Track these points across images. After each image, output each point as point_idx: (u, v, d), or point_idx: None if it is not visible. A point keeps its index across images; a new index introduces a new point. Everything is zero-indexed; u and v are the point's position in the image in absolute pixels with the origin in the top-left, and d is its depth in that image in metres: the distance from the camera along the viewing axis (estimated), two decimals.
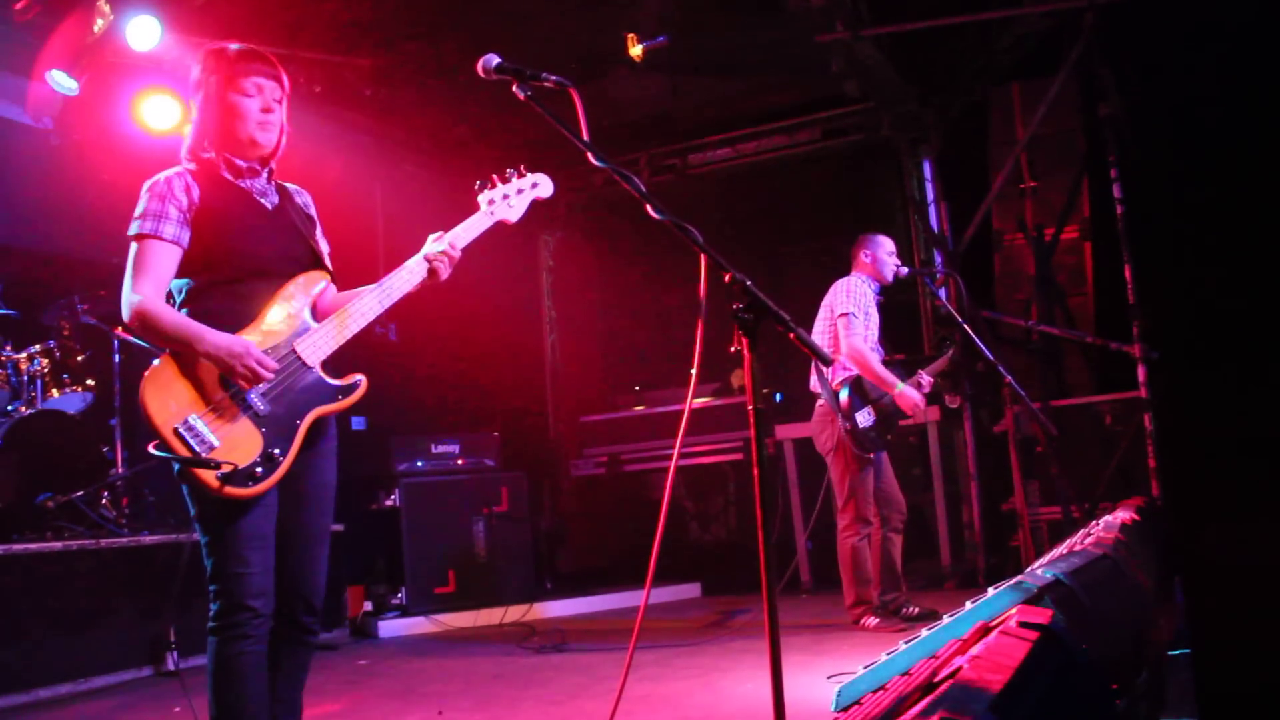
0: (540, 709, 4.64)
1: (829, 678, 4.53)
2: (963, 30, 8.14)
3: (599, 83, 8.63)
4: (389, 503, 7.88)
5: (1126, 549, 3.66)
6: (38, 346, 6.75)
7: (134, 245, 3.02)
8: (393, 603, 7.76)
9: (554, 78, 2.73)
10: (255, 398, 2.96)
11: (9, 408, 6.56)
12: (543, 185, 3.50)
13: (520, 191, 3.44)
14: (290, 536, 3.12)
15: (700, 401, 9.31)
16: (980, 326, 7.07)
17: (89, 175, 7.29)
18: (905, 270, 6.52)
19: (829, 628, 6.27)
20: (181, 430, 2.86)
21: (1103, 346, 7.65)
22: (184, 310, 3.05)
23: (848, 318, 6.28)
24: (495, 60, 2.75)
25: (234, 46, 3.19)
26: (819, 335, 6.43)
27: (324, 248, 3.34)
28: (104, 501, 6.64)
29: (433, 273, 3.24)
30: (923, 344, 9.01)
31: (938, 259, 8.86)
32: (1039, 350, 8.16)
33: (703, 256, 2.53)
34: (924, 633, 2.59)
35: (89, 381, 6.99)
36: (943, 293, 8.15)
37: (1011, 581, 2.65)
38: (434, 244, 3.26)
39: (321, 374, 3.11)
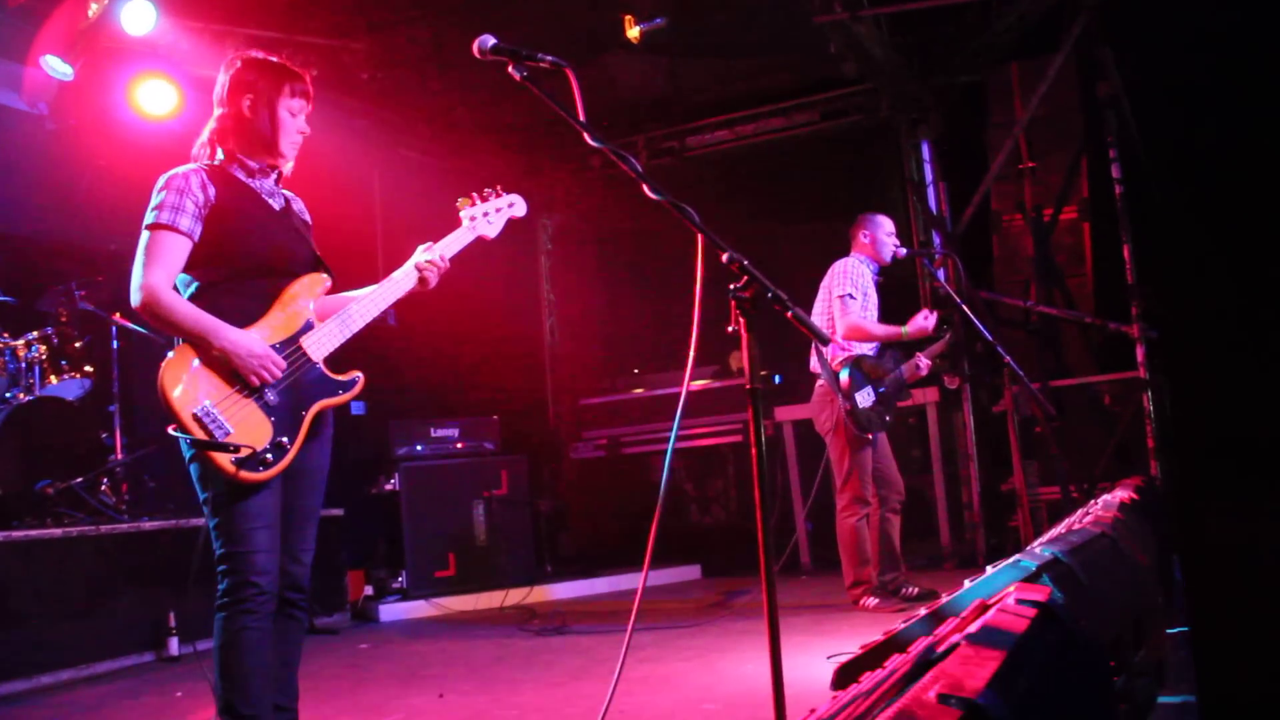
0: (541, 691, 4.65)
1: (828, 657, 4.54)
2: (961, 10, 8.13)
3: (597, 65, 8.61)
4: (389, 487, 7.89)
5: (1125, 528, 3.67)
6: (35, 333, 6.74)
7: (147, 234, 3.14)
8: (393, 587, 7.77)
9: (550, 58, 2.73)
10: (266, 389, 3.14)
11: (7, 394, 6.56)
12: (518, 205, 3.73)
13: (499, 210, 3.67)
14: (287, 518, 3.25)
15: (699, 384, 9.32)
16: (979, 307, 7.07)
17: (85, 161, 7.28)
18: (904, 251, 6.52)
19: (828, 608, 6.28)
20: (200, 414, 3.02)
21: (1101, 326, 7.65)
22: (197, 302, 3.17)
23: (845, 299, 6.28)
24: (491, 41, 2.75)
25: (274, 59, 3.36)
26: (818, 316, 6.43)
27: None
28: (103, 488, 6.65)
29: (422, 281, 3.45)
30: None
31: (936, 240, 8.86)
32: (1038, 331, 8.16)
33: (699, 236, 2.53)
34: (922, 612, 2.60)
35: (87, 368, 6.99)
36: (941, 274, 8.15)
37: (1010, 560, 2.66)
38: (424, 254, 3.46)
39: (325, 369, 3.30)
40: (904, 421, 8.41)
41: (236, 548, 3.09)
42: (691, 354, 2.75)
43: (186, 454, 3.12)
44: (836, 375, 6.23)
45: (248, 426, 3.08)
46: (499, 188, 3.68)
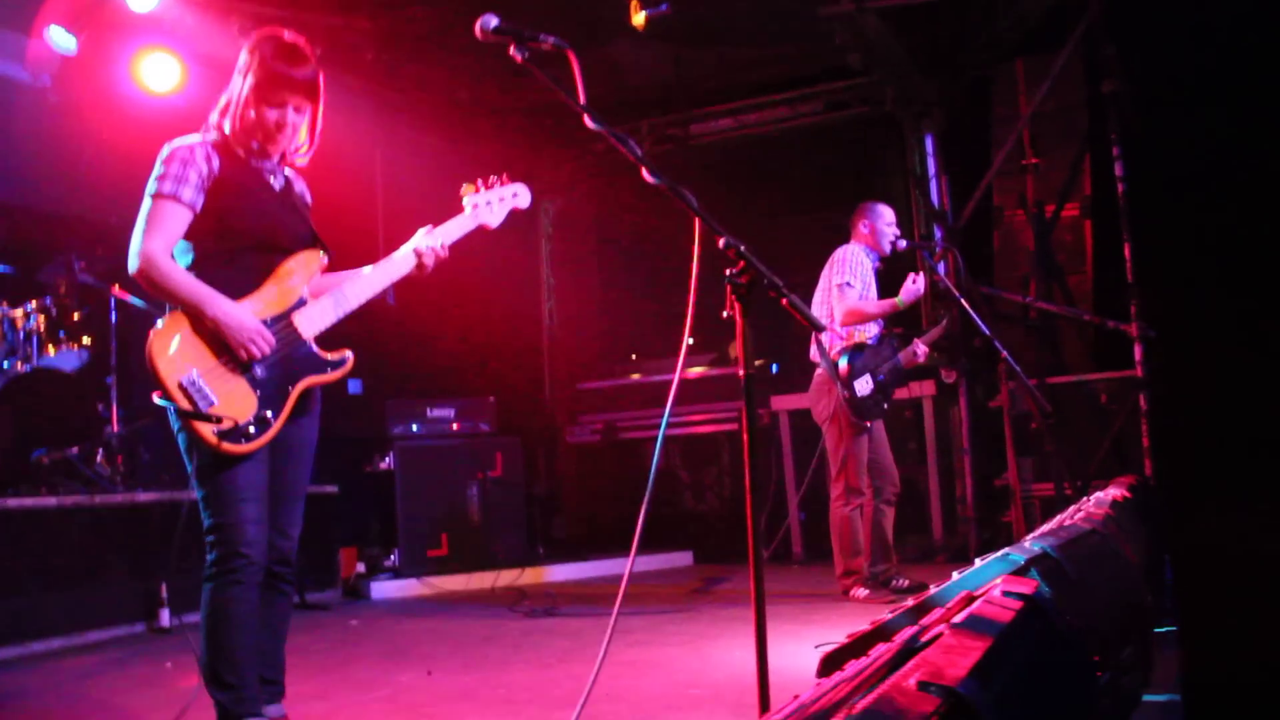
0: (529, 671, 4.66)
1: (816, 646, 4.55)
2: (967, 5, 8.11)
3: (601, 51, 8.59)
4: (384, 465, 7.91)
5: (1116, 525, 3.68)
6: (34, 303, 6.73)
7: (149, 202, 3.16)
8: (386, 565, 7.79)
9: (552, 39, 2.72)
10: (255, 363, 3.16)
11: (5, 364, 6.57)
12: (521, 195, 3.72)
13: (502, 200, 3.66)
14: (273, 492, 3.28)
15: (696, 371, 9.33)
16: (978, 302, 7.07)
17: (87, 134, 7.27)
18: (904, 244, 6.50)
19: (819, 597, 6.29)
20: (185, 383, 3.05)
21: (1100, 324, 7.66)
22: (193, 273, 3.19)
23: (844, 287, 6.27)
24: (494, 21, 2.74)
25: (286, 39, 3.30)
26: (818, 306, 6.43)
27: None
28: (99, 459, 6.65)
29: (420, 266, 3.46)
30: (920, 318, 9.01)
31: (937, 234, 8.86)
32: (1036, 327, 8.17)
33: (697, 221, 2.53)
34: (910, 603, 2.61)
35: (85, 340, 6.98)
36: (941, 267, 8.15)
37: (998, 554, 2.66)
38: (425, 238, 3.47)
39: (314, 347, 3.30)
40: (900, 414, 8.41)
41: (224, 518, 3.12)
42: (685, 340, 2.76)
43: (174, 423, 3.14)
44: (835, 363, 6.23)
45: (233, 398, 3.10)
46: (505, 175, 3.69)
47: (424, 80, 8.95)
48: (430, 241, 3.46)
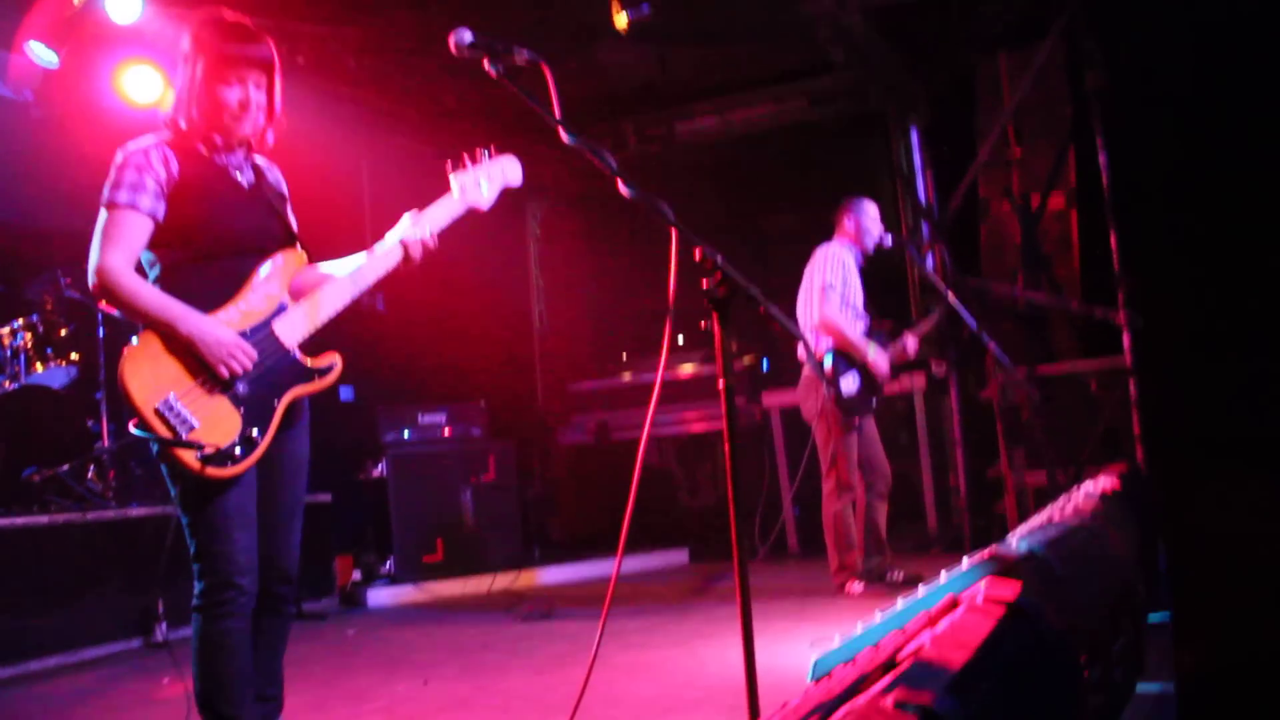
0: (526, 677, 4.67)
1: (811, 644, 4.56)
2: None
3: (585, 52, 8.57)
4: (376, 472, 7.91)
5: (1105, 517, 3.68)
6: (20, 321, 6.73)
7: (105, 213, 2.97)
8: (381, 572, 7.81)
9: (526, 53, 2.70)
10: (236, 380, 2.96)
11: None
12: (511, 171, 3.45)
13: (490, 178, 3.39)
14: (266, 511, 3.13)
15: (687, 370, 9.32)
16: (966, 295, 7.07)
17: (71, 148, 7.23)
18: (889, 240, 6.51)
19: (814, 593, 6.30)
20: (162, 409, 2.85)
21: (1088, 313, 7.67)
22: (160, 286, 3.02)
23: (826, 289, 6.27)
24: (468, 36, 2.73)
25: (228, 18, 3.11)
26: (803, 305, 6.43)
27: (294, 225, 3.31)
28: (90, 475, 6.65)
29: (407, 259, 3.22)
30: (909, 312, 9.03)
31: (924, 228, 8.87)
32: (1025, 317, 8.18)
33: (673, 231, 2.52)
34: (899, 603, 2.61)
35: (73, 356, 6.98)
36: (929, 261, 8.17)
37: (986, 552, 2.67)
38: (411, 227, 3.23)
39: (298, 355, 3.11)
40: (892, 407, 8.42)
41: (213, 547, 2.95)
42: (665, 346, 2.77)
43: (154, 449, 2.94)
44: (820, 363, 6.24)
45: (215, 419, 2.90)
46: (492, 148, 3.42)
47: (409, 87, 8.92)
48: (417, 232, 3.22)
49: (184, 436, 2.84)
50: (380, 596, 7.54)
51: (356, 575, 7.73)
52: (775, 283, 6.14)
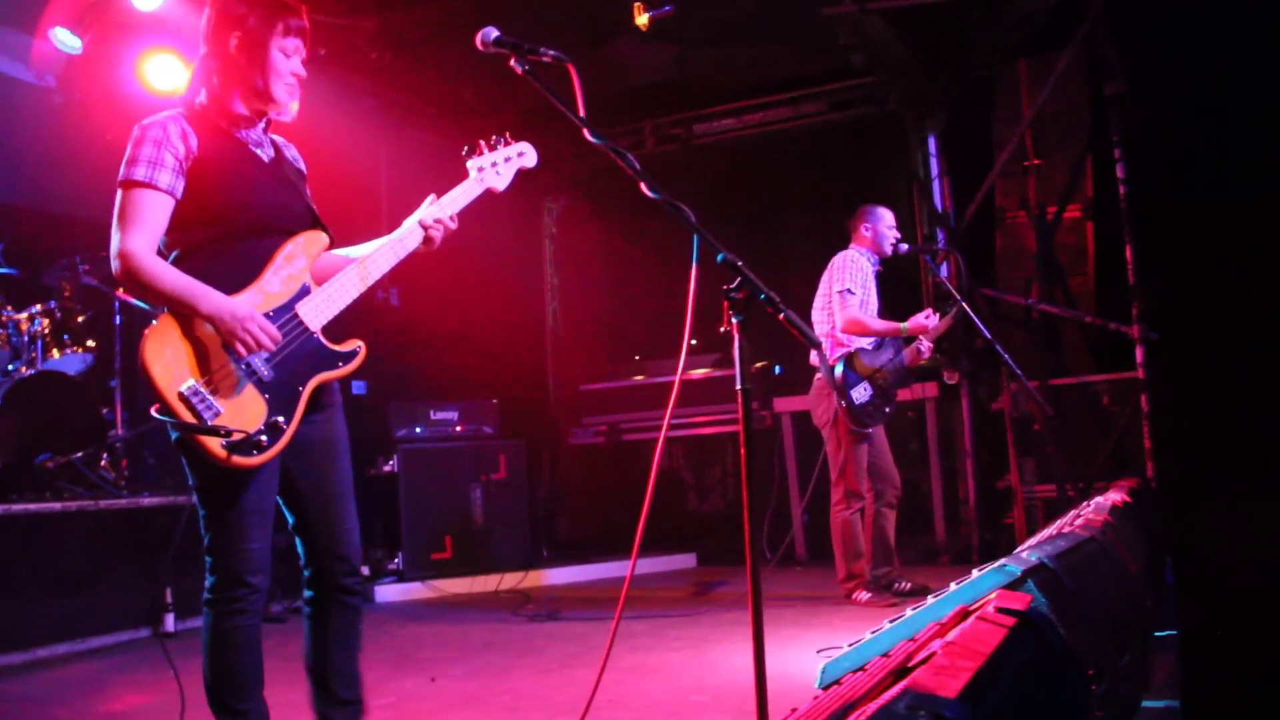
0: (532, 677, 4.68)
1: (819, 651, 4.56)
2: (970, 4, 8.10)
3: (605, 51, 8.59)
4: (387, 468, 7.91)
5: (1115, 531, 3.68)
6: (38, 306, 6.76)
7: (123, 193, 2.85)
8: (389, 568, 7.81)
9: (552, 52, 2.71)
10: (259, 363, 2.85)
11: (9, 368, 6.59)
12: (528, 154, 3.42)
13: (508, 160, 3.36)
14: (315, 499, 3.07)
15: (700, 373, 9.32)
16: (979, 304, 7.07)
17: (92, 135, 7.27)
18: (905, 247, 6.50)
19: (821, 601, 6.30)
20: (187, 394, 2.73)
21: (1102, 326, 7.65)
22: (180, 268, 2.87)
23: (844, 294, 6.27)
24: (494, 34, 2.73)
25: None
26: (819, 311, 6.44)
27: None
28: (103, 463, 6.68)
29: (428, 240, 3.15)
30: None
31: (940, 236, 8.86)
32: (1038, 328, 8.17)
33: (695, 237, 2.53)
34: (908, 612, 2.61)
35: (90, 343, 7.01)
36: (944, 269, 8.16)
37: (996, 564, 2.67)
38: (431, 209, 3.17)
39: (323, 339, 3.00)
40: (902, 415, 8.41)
41: (228, 542, 2.86)
42: (684, 350, 2.76)
43: (173, 435, 2.82)
44: (832, 371, 6.24)
45: (240, 405, 2.78)
46: (508, 135, 3.39)
47: (428, 79, 8.95)
48: (437, 212, 3.15)
49: (209, 422, 2.73)
50: (388, 593, 7.55)
51: (364, 571, 7.73)
52: (790, 285, 6.14)
